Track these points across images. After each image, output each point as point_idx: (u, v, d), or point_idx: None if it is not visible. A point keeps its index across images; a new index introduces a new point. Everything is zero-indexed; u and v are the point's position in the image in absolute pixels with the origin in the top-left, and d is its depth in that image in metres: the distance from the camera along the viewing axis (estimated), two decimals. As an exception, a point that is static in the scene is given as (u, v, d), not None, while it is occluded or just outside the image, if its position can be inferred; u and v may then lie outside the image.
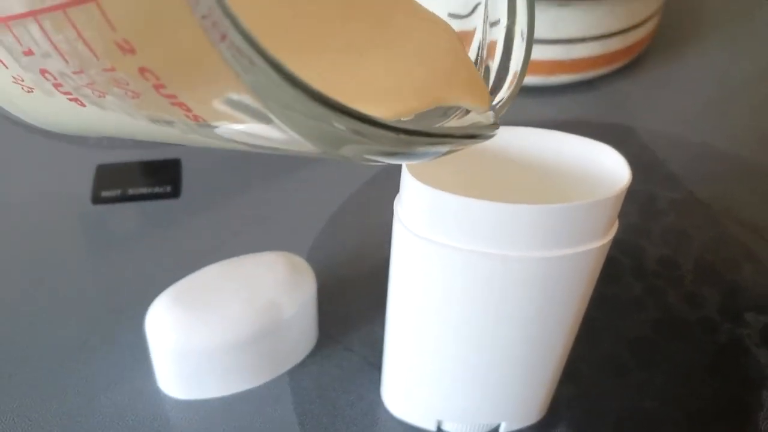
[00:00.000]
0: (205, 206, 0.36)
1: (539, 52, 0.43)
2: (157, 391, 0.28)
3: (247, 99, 0.11)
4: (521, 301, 0.21)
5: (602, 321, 0.31)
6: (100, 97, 0.13)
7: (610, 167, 0.21)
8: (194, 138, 0.14)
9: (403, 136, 0.13)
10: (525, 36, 0.18)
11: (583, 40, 0.43)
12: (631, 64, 0.48)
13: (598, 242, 0.20)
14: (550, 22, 0.41)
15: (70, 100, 0.13)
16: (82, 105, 0.14)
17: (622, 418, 0.28)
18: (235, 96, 0.11)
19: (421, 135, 0.13)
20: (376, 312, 0.31)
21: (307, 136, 0.12)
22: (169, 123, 0.13)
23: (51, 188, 0.38)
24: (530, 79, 0.44)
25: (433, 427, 0.27)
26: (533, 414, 0.27)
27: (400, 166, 0.20)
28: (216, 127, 0.13)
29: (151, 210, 0.36)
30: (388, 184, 0.38)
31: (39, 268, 0.33)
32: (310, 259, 0.29)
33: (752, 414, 0.28)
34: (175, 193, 0.37)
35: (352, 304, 0.32)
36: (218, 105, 0.12)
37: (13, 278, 0.32)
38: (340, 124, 0.12)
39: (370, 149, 0.13)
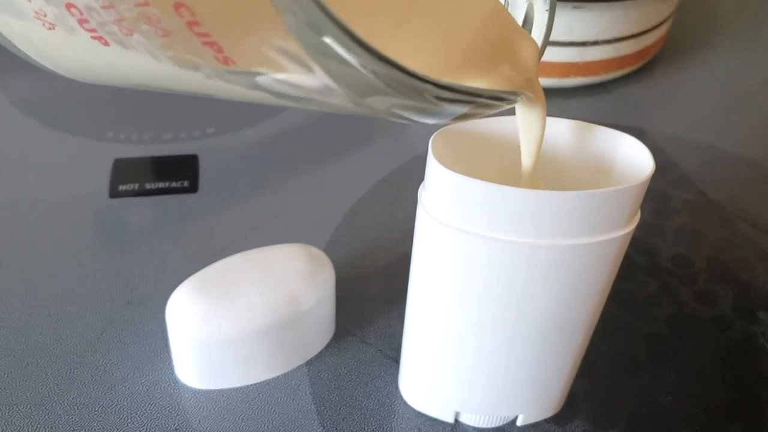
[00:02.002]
0: (223, 202, 0.37)
1: (553, 54, 0.43)
2: (175, 381, 0.28)
3: (283, 39, 0.11)
4: (545, 291, 0.21)
5: (618, 317, 0.31)
6: (126, 35, 0.12)
7: (632, 157, 0.21)
8: (216, 85, 0.13)
9: (429, 87, 0.13)
10: (548, 6, 0.18)
11: (596, 42, 0.43)
12: (644, 68, 0.49)
13: (622, 230, 0.20)
14: (564, 25, 0.42)
15: (94, 38, 0.13)
16: (105, 44, 0.13)
17: (637, 413, 0.28)
18: (274, 38, 0.11)
19: (448, 90, 0.13)
20: (392, 307, 0.31)
21: (340, 81, 0.12)
22: (194, 67, 0.13)
23: (68, 182, 0.38)
24: (543, 81, 0.44)
25: (450, 418, 0.27)
26: (550, 407, 0.27)
27: (425, 157, 0.20)
28: (244, 72, 0.13)
29: (169, 205, 0.36)
30: (404, 181, 0.39)
31: (56, 261, 0.33)
32: (327, 254, 0.29)
33: (766, 411, 0.28)
34: (193, 188, 0.37)
35: (368, 298, 0.32)
36: (254, 45, 0.12)
37: (30, 270, 0.33)
38: (372, 69, 0.12)
39: (398, 103, 0.13)
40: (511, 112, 0.22)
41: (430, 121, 0.15)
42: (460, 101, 0.14)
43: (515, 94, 0.17)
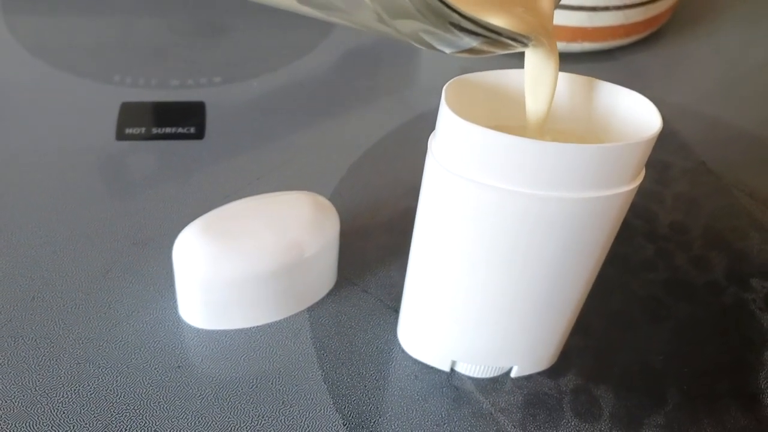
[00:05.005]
0: (229, 149, 0.37)
1: (562, 18, 0.43)
2: (178, 320, 0.29)
3: None
4: (548, 243, 0.22)
5: (614, 279, 0.32)
6: None
7: (639, 114, 0.21)
8: None
9: (455, 16, 0.13)
10: None
11: (606, 8, 0.43)
12: (651, 37, 0.49)
13: (628, 186, 0.20)
14: (575, -12, 0.42)
15: None
16: None
17: (628, 370, 0.29)
18: None
19: (471, 21, 0.14)
20: (393, 258, 0.32)
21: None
22: None
23: (75, 123, 0.38)
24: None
25: (446, 367, 0.28)
26: (545, 360, 0.28)
27: (429, 116, 0.20)
28: None
29: (175, 150, 0.37)
30: (408, 138, 0.39)
31: (62, 199, 0.33)
32: (331, 204, 0.29)
33: (753, 373, 0.29)
34: (199, 135, 0.37)
35: (369, 250, 0.32)
36: None
37: (36, 207, 0.33)
38: None
39: (421, 28, 0.13)
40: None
41: (443, 48, 0.15)
42: (477, 34, 0.15)
43: (528, 38, 0.18)
